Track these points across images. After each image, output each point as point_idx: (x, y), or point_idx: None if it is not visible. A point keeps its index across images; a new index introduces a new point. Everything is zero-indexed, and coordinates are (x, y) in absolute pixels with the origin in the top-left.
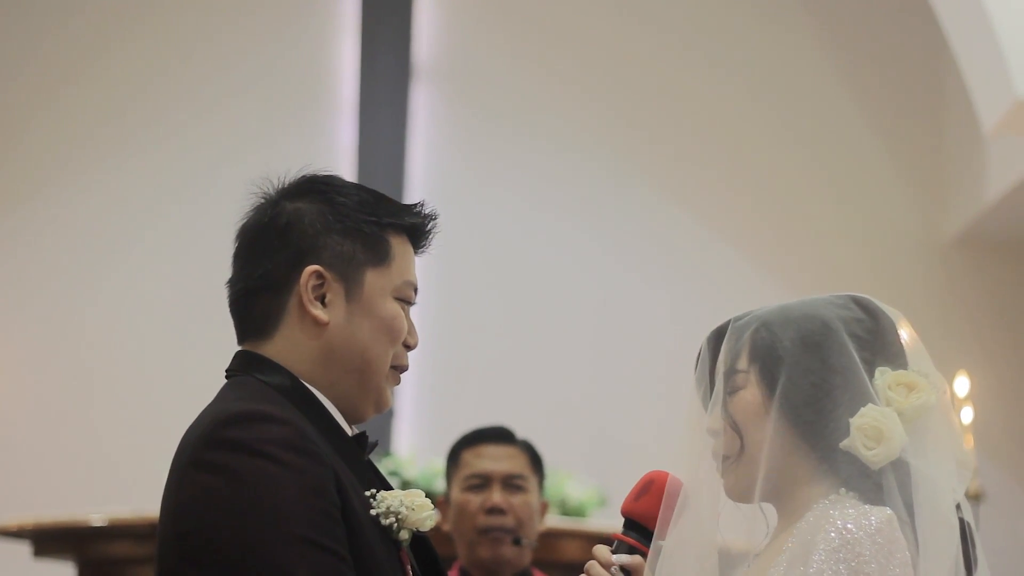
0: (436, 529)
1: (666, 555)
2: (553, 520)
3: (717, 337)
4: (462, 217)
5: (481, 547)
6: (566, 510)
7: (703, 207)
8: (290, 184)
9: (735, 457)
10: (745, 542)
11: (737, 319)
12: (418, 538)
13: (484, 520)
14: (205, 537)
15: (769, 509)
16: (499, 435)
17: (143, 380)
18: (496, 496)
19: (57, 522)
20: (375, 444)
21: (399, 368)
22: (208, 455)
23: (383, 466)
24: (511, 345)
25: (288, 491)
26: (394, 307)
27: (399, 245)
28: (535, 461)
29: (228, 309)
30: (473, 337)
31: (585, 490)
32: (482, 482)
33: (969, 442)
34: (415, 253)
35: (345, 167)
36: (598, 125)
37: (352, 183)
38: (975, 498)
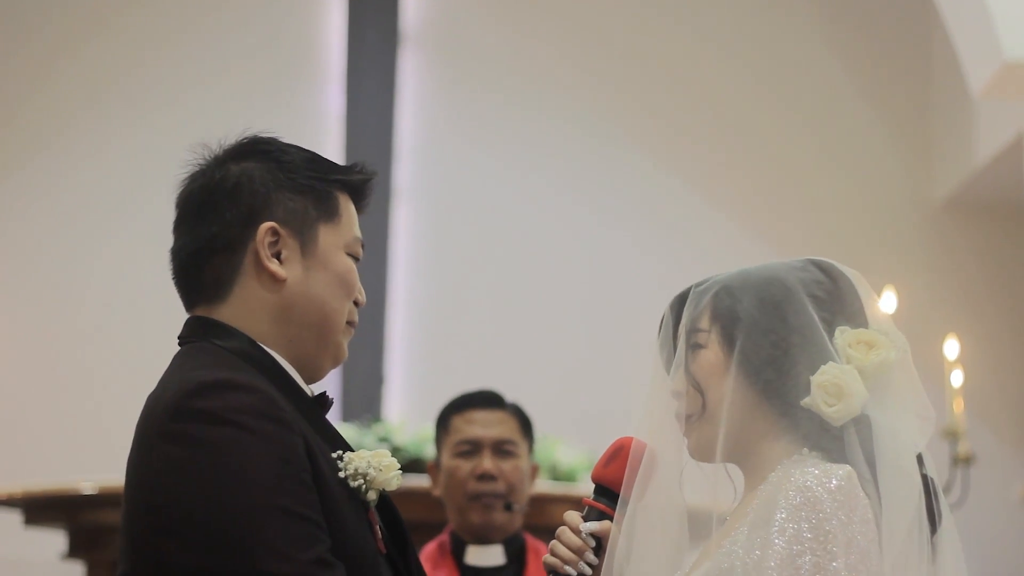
0: (427, 494)
1: (634, 517)
2: (544, 485)
3: (679, 302)
4: (450, 183)
5: (472, 513)
6: (556, 475)
7: (692, 172)
8: (232, 146)
9: (697, 416)
10: (713, 503)
11: (698, 285)
12: (382, 497)
13: (475, 486)
14: (178, 509)
15: (736, 472)
16: (488, 400)
17: (133, 348)
18: (486, 462)
19: (47, 490)
20: (332, 401)
21: (351, 323)
22: (176, 426)
23: (373, 432)
24: (501, 311)
25: (260, 460)
26: (347, 261)
27: (344, 202)
28: (525, 425)
29: (172, 279)
30: (462, 303)
31: (575, 455)
32: (472, 448)
33: (959, 405)
34: (357, 211)
35: (333, 134)
36: (587, 90)
37: (293, 144)
38: (966, 461)
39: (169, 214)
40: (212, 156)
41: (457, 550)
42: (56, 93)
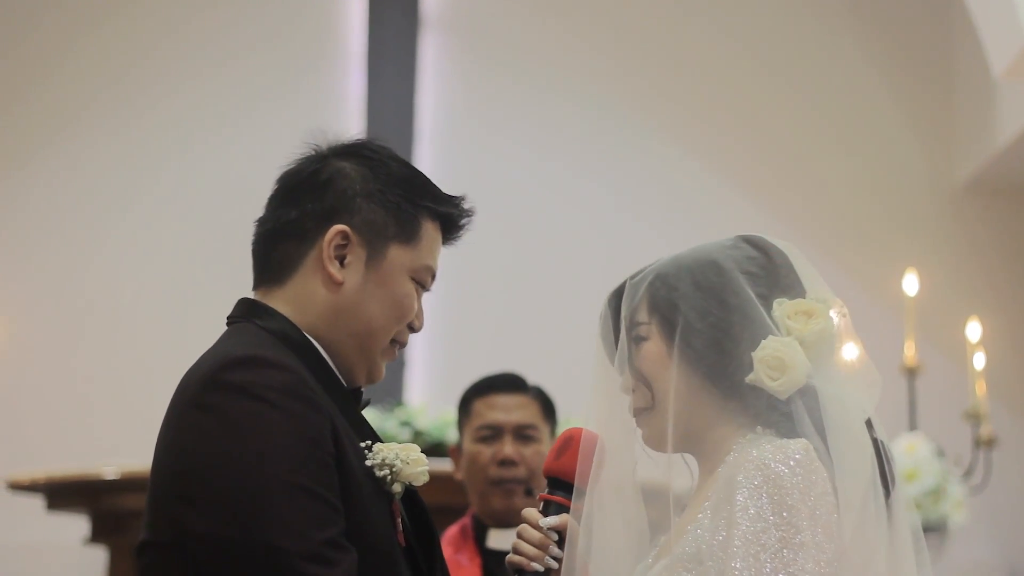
0: (448, 478)
1: (592, 508)
2: None
3: (616, 296)
4: (471, 167)
5: (493, 498)
6: None
7: (710, 155)
8: (342, 143)
9: (648, 409)
10: (670, 489)
11: (632, 276)
12: (409, 492)
13: (496, 472)
14: (200, 477)
15: (691, 460)
16: (510, 383)
17: (154, 332)
18: (507, 448)
19: (70, 475)
20: (368, 402)
21: (398, 343)
22: (208, 397)
23: (395, 416)
24: (521, 294)
25: (284, 437)
26: (409, 286)
27: (430, 230)
28: (547, 408)
29: (250, 247)
30: (483, 286)
31: None
32: (493, 433)
33: (982, 387)
34: (444, 243)
35: (354, 119)
36: (606, 74)
37: (400, 158)
38: (988, 443)
39: (188, 197)
40: (325, 147)
41: (479, 534)
42: (70, 75)
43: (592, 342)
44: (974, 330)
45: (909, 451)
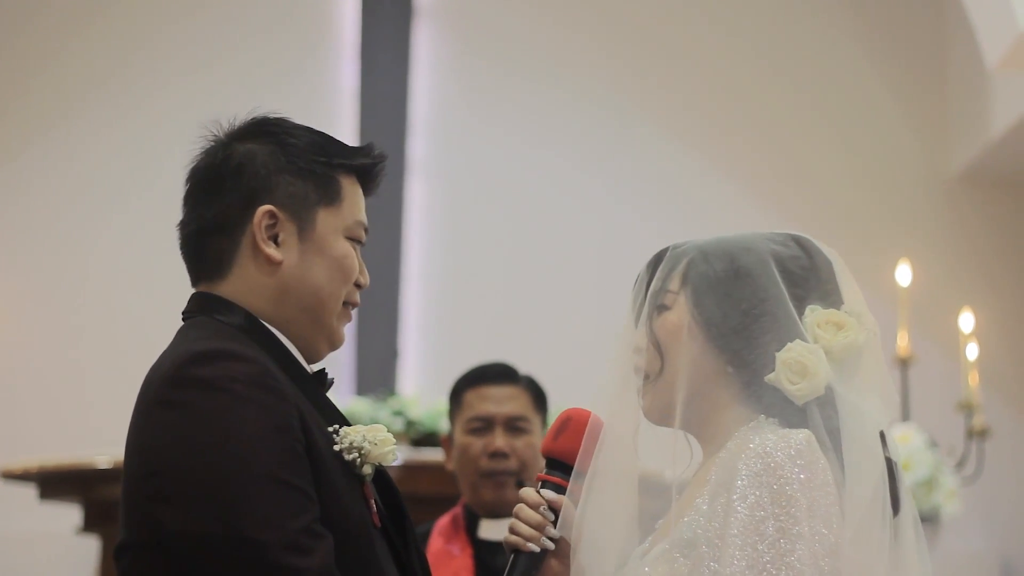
0: (441, 469)
1: (590, 486)
2: None
3: (656, 261)
4: (464, 157)
5: (485, 490)
6: None
7: (705, 146)
8: (240, 126)
9: (654, 377)
10: (670, 472)
11: (676, 246)
12: (379, 472)
13: (487, 464)
14: (172, 474)
15: (693, 441)
16: (501, 374)
17: (146, 322)
18: (499, 440)
19: (62, 465)
20: (332, 381)
21: (350, 305)
22: (173, 394)
23: (388, 406)
24: (515, 284)
25: (253, 428)
26: (345, 246)
27: (349, 186)
28: (538, 399)
29: (180, 251)
30: (476, 276)
31: None
32: (484, 425)
33: (975, 378)
34: (365, 194)
35: (347, 109)
36: (599, 63)
37: (303, 125)
38: (981, 434)
39: (179, 192)
40: (222, 133)
41: (470, 524)
42: (65, 72)
43: (586, 332)
44: (967, 321)
45: (902, 441)
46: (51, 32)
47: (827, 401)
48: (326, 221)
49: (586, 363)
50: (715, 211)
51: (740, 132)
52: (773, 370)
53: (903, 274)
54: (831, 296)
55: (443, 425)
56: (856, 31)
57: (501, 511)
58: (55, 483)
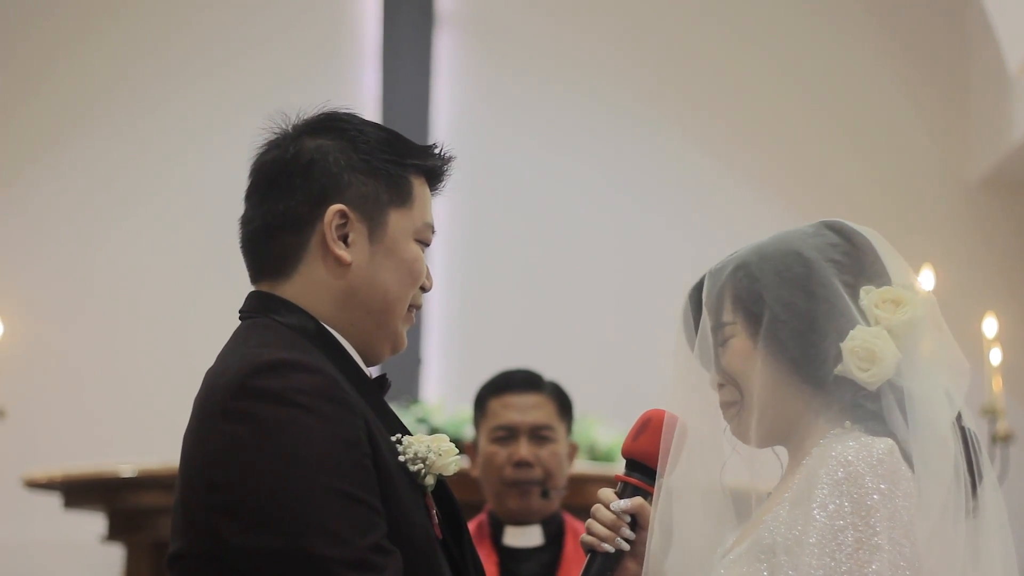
0: (464, 475)
1: (672, 496)
2: (582, 465)
3: (697, 290)
4: (486, 163)
5: (509, 499)
6: (595, 455)
7: (726, 152)
8: (309, 119)
9: (738, 404)
10: (753, 483)
11: (713, 270)
12: (439, 483)
13: (512, 473)
14: (238, 488)
15: (781, 451)
16: (526, 382)
17: (170, 329)
18: (523, 449)
19: (86, 473)
20: (390, 385)
21: (414, 307)
22: (238, 404)
23: (411, 413)
24: (536, 290)
25: (321, 442)
26: (415, 249)
27: (419, 186)
28: (563, 407)
29: (240, 247)
30: (499, 282)
31: (614, 435)
32: (509, 434)
33: (998, 383)
34: (432, 194)
35: (369, 115)
36: (620, 70)
37: (371, 122)
38: (1004, 439)
39: (203, 191)
40: (289, 126)
41: (495, 531)
42: (81, 72)
43: (608, 337)
44: (990, 326)
45: None
46: (66, 34)
47: (897, 386)
48: (397, 223)
49: (609, 367)
50: (736, 218)
51: (761, 139)
52: (840, 361)
53: (926, 279)
54: (880, 275)
55: (467, 432)
56: (878, 38)
57: (526, 519)
58: (79, 491)
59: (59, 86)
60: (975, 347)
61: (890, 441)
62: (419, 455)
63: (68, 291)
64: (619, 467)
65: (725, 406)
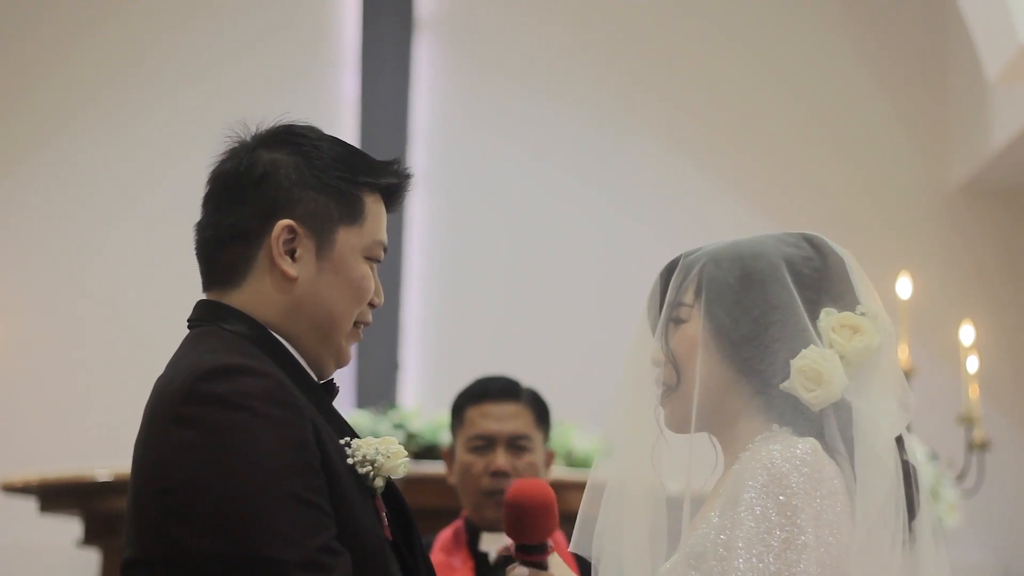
0: (442, 481)
1: (607, 504)
2: (559, 472)
3: (669, 271)
4: (465, 167)
5: (487, 508)
6: (572, 461)
7: (706, 157)
8: (267, 132)
9: (673, 388)
10: (686, 486)
11: (688, 254)
12: (388, 485)
13: (489, 483)
14: (188, 493)
15: (717, 444)
16: (503, 391)
17: (146, 334)
18: (500, 459)
19: (63, 477)
20: (337, 390)
21: (362, 324)
22: (187, 409)
23: (388, 419)
24: (516, 296)
25: (270, 445)
26: (364, 267)
27: (373, 204)
28: (540, 415)
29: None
30: (477, 288)
31: (591, 441)
32: (486, 444)
33: (975, 391)
34: (388, 211)
35: (348, 120)
36: (600, 76)
37: (329, 136)
38: (981, 447)
39: (182, 198)
40: (248, 137)
41: (472, 538)
42: (68, 77)
43: (587, 343)
44: (968, 333)
45: None
46: (53, 39)
47: (843, 407)
48: (346, 240)
49: (587, 374)
50: (716, 222)
51: (741, 144)
52: (787, 377)
53: (903, 286)
54: (845, 296)
55: (444, 438)
56: (857, 43)
57: (503, 527)
58: (55, 496)
59: (46, 90)
60: (952, 354)
61: (812, 440)
62: (368, 457)
63: (44, 295)
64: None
65: (658, 384)
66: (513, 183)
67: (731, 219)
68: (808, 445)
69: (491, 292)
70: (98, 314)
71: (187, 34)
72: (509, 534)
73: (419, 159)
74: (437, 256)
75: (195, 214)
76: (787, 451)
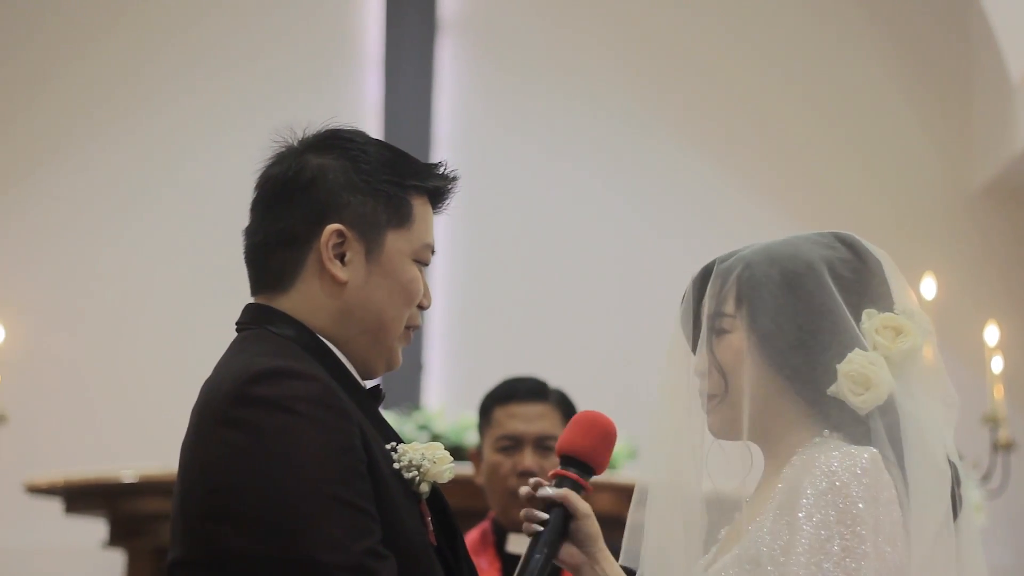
0: (469, 482)
1: (652, 497)
2: None
3: (703, 277)
4: (488, 170)
5: (514, 509)
6: None
7: (726, 158)
8: (314, 137)
9: (720, 397)
10: (734, 487)
11: (722, 260)
12: (433, 490)
13: (516, 483)
14: (235, 494)
15: (756, 449)
16: (531, 391)
17: (173, 335)
18: (528, 459)
19: (88, 479)
20: (384, 395)
21: (411, 327)
22: (236, 412)
23: (413, 420)
24: (538, 297)
25: (317, 448)
26: (412, 270)
27: (420, 206)
28: (567, 416)
29: (243, 258)
30: (500, 290)
31: (617, 441)
32: (513, 444)
33: (999, 391)
34: (434, 213)
35: (371, 121)
36: (621, 77)
37: (376, 140)
38: (1006, 447)
39: (205, 198)
40: (295, 142)
41: (499, 538)
42: (86, 76)
43: (609, 343)
44: (992, 334)
45: None
46: (70, 38)
47: (888, 409)
48: (395, 243)
49: (609, 373)
50: (736, 224)
51: (762, 146)
52: (835, 382)
53: (927, 288)
54: (884, 298)
55: (469, 439)
56: (880, 46)
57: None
58: (81, 497)
59: (61, 92)
60: (977, 355)
61: (873, 450)
62: (414, 463)
63: (69, 296)
64: (622, 474)
65: (707, 396)
66: (535, 184)
67: (751, 222)
68: (869, 455)
69: (514, 293)
70: (120, 316)
71: (207, 35)
72: (565, 446)
73: (442, 160)
74: (460, 257)
75: (216, 213)
76: (847, 460)
